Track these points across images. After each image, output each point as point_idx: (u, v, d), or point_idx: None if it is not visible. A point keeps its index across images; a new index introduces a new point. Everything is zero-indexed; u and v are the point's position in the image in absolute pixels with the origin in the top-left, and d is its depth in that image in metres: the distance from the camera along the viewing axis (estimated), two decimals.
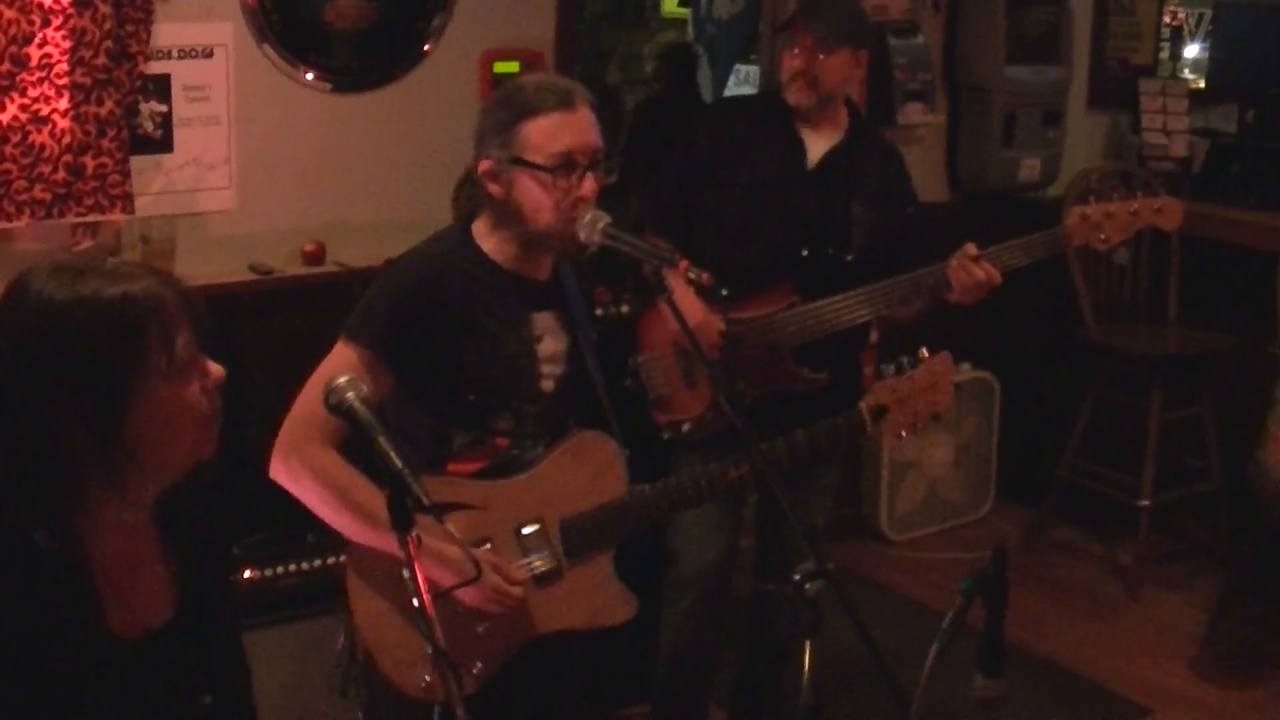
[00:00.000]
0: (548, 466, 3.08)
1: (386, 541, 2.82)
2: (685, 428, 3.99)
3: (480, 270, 3.02)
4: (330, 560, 3.94)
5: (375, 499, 2.84)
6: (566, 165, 2.92)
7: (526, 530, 3.06)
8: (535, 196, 2.94)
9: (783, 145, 4.12)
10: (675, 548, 4.20)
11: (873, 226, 4.09)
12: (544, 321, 3.09)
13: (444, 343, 2.96)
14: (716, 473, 3.16)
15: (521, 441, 3.08)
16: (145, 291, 1.98)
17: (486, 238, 3.05)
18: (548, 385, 3.09)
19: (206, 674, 2.16)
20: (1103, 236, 3.88)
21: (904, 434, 3.35)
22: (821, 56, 4.02)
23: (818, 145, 4.12)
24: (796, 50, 4.04)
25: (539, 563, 3.06)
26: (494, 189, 2.97)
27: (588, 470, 3.12)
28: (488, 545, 3.00)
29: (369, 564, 2.95)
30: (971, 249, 3.83)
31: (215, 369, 2.10)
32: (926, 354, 3.32)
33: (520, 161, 2.93)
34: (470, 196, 3.09)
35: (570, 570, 3.09)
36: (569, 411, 3.17)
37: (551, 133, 2.92)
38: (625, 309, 4.55)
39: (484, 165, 2.97)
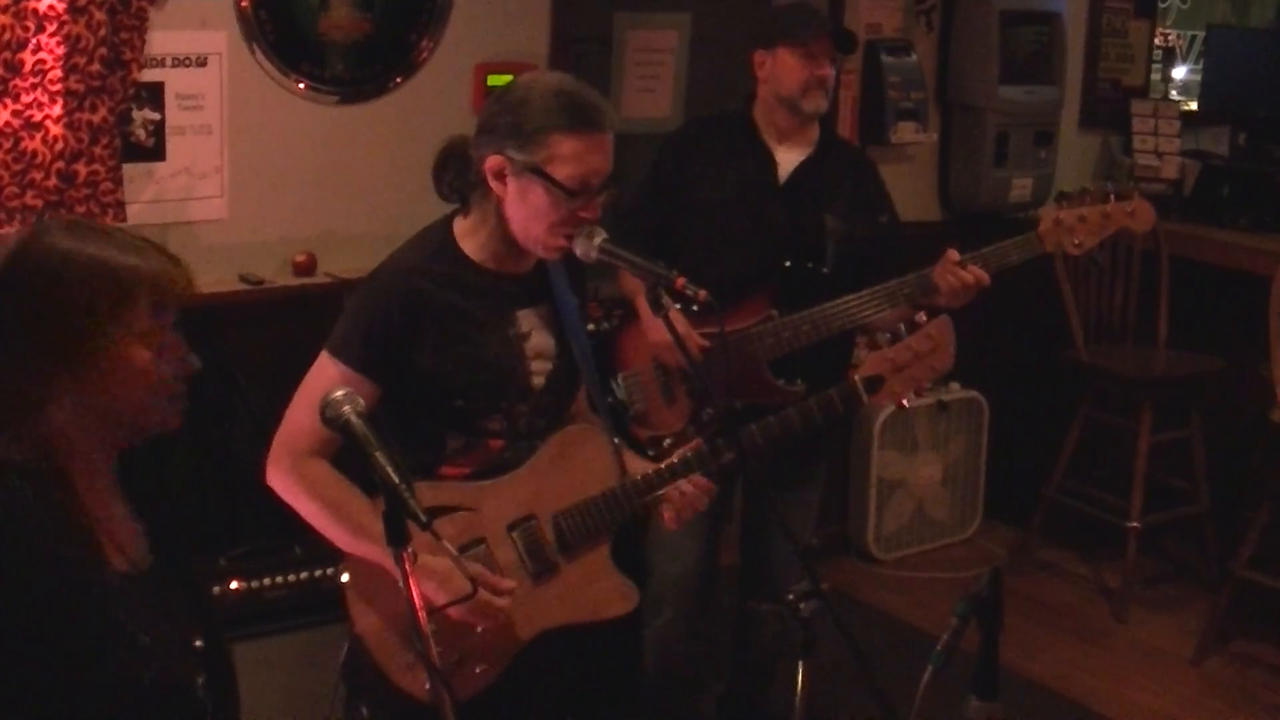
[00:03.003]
0: (538, 463, 3.08)
1: (379, 554, 2.81)
2: (666, 443, 3.97)
3: (461, 274, 2.99)
4: (318, 573, 3.93)
5: (368, 514, 2.84)
6: (584, 189, 2.90)
7: (519, 529, 3.05)
8: (542, 208, 2.90)
9: (754, 161, 4.16)
10: (651, 563, 4.22)
11: (846, 238, 4.11)
12: (530, 318, 3.08)
13: (428, 354, 2.94)
14: (706, 455, 3.15)
15: (515, 442, 3.07)
16: (152, 265, 2.17)
17: (470, 236, 3.02)
18: (538, 382, 3.08)
19: (194, 619, 2.29)
20: (1076, 240, 3.89)
21: (905, 403, 3.33)
22: (836, 61, 4.14)
23: (789, 160, 4.16)
24: (815, 59, 4.07)
25: (534, 561, 3.05)
26: (498, 187, 2.93)
27: (578, 463, 3.11)
28: (483, 546, 3.00)
29: (365, 574, 2.94)
30: (954, 254, 3.86)
31: (195, 361, 2.23)
32: (924, 319, 3.31)
33: (540, 172, 2.88)
34: (456, 180, 3.03)
35: (567, 565, 3.08)
36: (564, 405, 3.17)
37: (580, 154, 2.88)
38: (617, 324, 4.55)
39: (495, 161, 2.91)
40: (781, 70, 4.10)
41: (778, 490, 4.15)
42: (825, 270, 4.08)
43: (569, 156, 2.87)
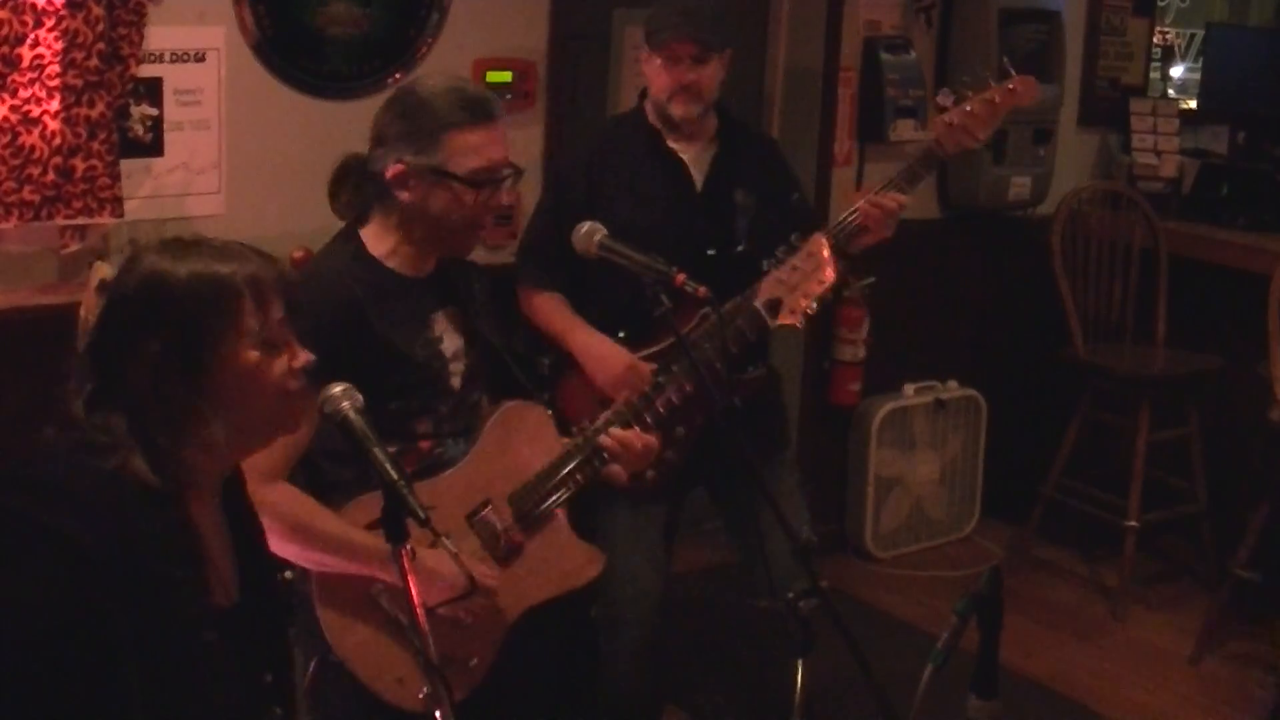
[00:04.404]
0: (484, 447, 3.12)
1: (359, 567, 2.82)
2: (649, 474, 3.72)
3: (379, 279, 3.05)
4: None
5: (339, 525, 2.84)
6: (489, 179, 2.96)
7: (478, 515, 3.08)
8: (452, 206, 2.99)
9: (664, 169, 3.98)
10: (605, 586, 3.93)
11: (756, 212, 3.99)
12: (441, 321, 3.13)
13: (364, 359, 2.94)
14: (643, 406, 3.19)
15: (442, 441, 3.11)
16: (249, 268, 2.20)
17: (378, 241, 3.07)
18: (456, 382, 3.14)
19: (268, 654, 2.32)
20: (975, 135, 3.87)
21: (802, 318, 3.44)
22: (701, 66, 3.90)
23: (698, 159, 4.01)
24: (676, 63, 3.89)
25: (498, 544, 3.09)
26: (404, 195, 2.99)
27: (521, 439, 3.16)
28: (449, 539, 3.00)
29: (337, 596, 2.92)
30: (867, 192, 3.86)
31: (305, 353, 2.24)
32: (799, 241, 3.48)
33: (442, 172, 2.95)
34: (354, 193, 3.08)
35: (530, 542, 3.12)
36: (478, 402, 3.21)
37: (476, 147, 2.97)
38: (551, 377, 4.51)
39: (396, 169, 2.98)
40: (650, 73, 3.96)
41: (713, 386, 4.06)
42: (741, 248, 3.94)
43: (468, 150, 2.96)
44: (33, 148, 3.83)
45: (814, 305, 3.40)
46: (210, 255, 2.19)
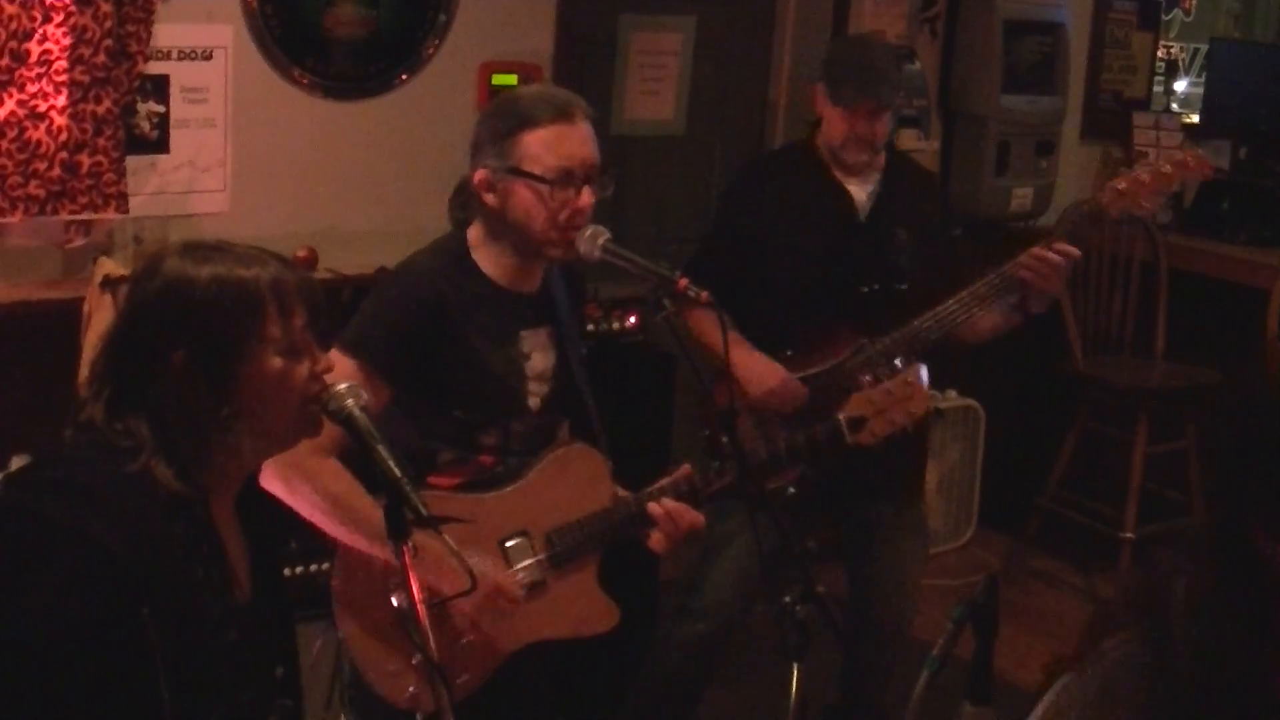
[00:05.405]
0: (535, 479, 3.09)
1: (380, 551, 2.82)
2: (791, 490, 3.73)
3: (476, 286, 3.02)
4: (314, 567, 3.92)
5: (372, 511, 2.85)
6: (565, 178, 2.93)
7: (511, 542, 3.06)
8: (531, 207, 2.94)
9: (830, 200, 4.05)
10: (706, 574, 4.10)
11: (915, 251, 4.04)
12: (533, 339, 3.10)
13: (439, 361, 2.96)
14: (700, 483, 3.16)
15: (507, 459, 3.08)
16: (271, 273, 2.18)
17: (480, 249, 3.05)
18: (534, 403, 3.10)
19: (279, 648, 2.34)
20: (1141, 203, 3.85)
21: (879, 440, 3.37)
22: (876, 118, 3.99)
23: (862, 191, 4.07)
24: (854, 115, 3.97)
25: (523, 574, 3.06)
26: (490, 199, 2.97)
27: (574, 482, 3.12)
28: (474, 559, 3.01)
29: (353, 578, 2.94)
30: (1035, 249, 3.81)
31: (326, 359, 2.26)
32: (900, 365, 3.45)
33: (518, 171, 2.92)
34: (462, 206, 3.09)
35: (555, 581, 3.09)
36: (556, 427, 3.18)
37: (550, 144, 2.93)
38: (616, 325, 4.55)
39: (480, 175, 2.97)
40: (829, 117, 4.02)
41: (880, 507, 4.19)
42: (903, 286, 4.01)
43: (541, 148, 2.92)
44: (39, 143, 3.85)
45: (890, 431, 3.37)
46: (232, 260, 2.17)
